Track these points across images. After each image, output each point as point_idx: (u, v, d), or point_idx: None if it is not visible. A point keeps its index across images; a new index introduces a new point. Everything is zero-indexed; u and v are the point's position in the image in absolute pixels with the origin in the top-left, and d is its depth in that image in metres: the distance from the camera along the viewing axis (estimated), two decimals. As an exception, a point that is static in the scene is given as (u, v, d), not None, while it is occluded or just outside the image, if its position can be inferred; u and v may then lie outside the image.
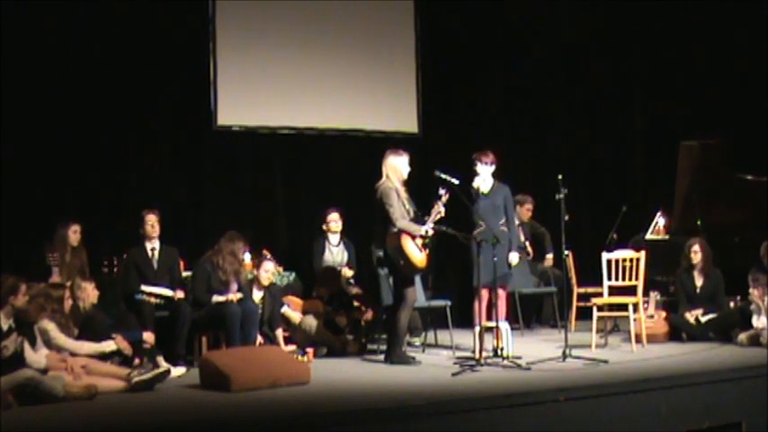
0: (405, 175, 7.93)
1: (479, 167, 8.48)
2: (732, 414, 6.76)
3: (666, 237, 10.09)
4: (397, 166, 7.91)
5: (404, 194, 7.88)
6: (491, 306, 8.21)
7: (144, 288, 8.15)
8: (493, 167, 8.52)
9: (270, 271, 8.45)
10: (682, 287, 9.11)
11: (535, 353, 7.90)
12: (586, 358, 7.56)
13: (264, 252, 9.11)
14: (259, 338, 8.20)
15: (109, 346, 7.20)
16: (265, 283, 8.41)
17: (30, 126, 8.96)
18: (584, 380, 6.85)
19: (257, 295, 8.36)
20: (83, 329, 7.27)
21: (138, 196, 9.36)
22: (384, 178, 7.89)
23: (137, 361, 7.26)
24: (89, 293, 7.55)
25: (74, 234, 8.35)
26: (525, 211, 10.38)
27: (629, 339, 8.42)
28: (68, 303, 7.30)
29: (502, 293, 8.28)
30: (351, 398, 6.54)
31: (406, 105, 11.03)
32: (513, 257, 8.36)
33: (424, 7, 11.12)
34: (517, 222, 10.28)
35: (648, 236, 10.09)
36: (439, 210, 7.82)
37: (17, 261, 8.05)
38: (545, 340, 9.12)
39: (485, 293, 8.21)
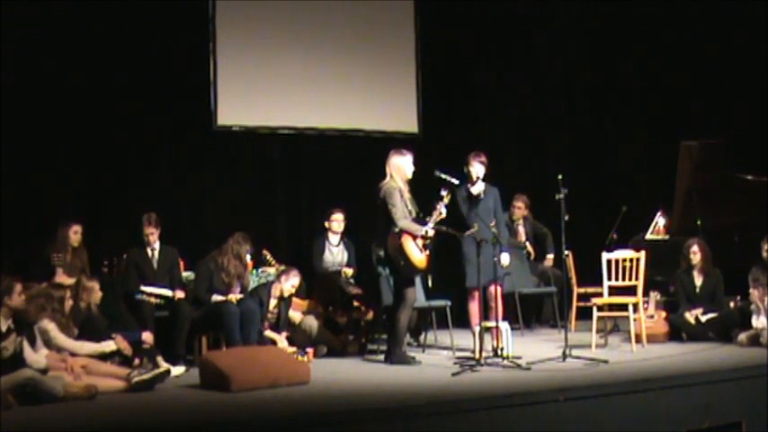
0: (408, 175, 7.94)
1: (478, 168, 8.47)
2: (732, 414, 6.76)
3: (666, 237, 10.09)
4: (400, 166, 7.91)
5: (407, 195, 7.88)
6: (484, 306, 8.23)
7: (144, 288, 8.16)
8: (485, 169, 8.53)
9: (296, 286, 8.46)
10: (681, 287, 9.11)
11: (535, 353, 7.89)
12: (586, 358, 7.56)
13: (264, 252, 9.13)
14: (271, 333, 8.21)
15: (109, 346, 7.20)
16: (286, 295, 8.42)
17: (30, 126, 8.96)
18: (584, 380, 6.84)
19: (272, 303, 8.37)
20: (83, 329, 7.28)
21: (138, 196, 9.36)
22: (388, 178, 7.90)
23: (137, 361, 7.25)
24: (95, 293, 7.55)
25: (74, 234, 8.35)
26: (516, 209, 10.38)
27: (629, 339, 8.42)
28: (69, 303, 7.30)
29: (498, 293, 8.24)
30: (351, 398, 6.54)
31: (406, 105, 11.03)
32: (505, 258, 8.35)
33: (424, 7, 11.13)
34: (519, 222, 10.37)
35: (648, 236, 10.09)
36: (440, 210, 7.83)
37: (18, 261, 8.06)
38: (545, 340, 9.12)
39: (477, 293, 8.21)
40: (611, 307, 8.76)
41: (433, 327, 9.20)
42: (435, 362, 7.94)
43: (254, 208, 10.12)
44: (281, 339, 8.24)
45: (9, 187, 8.72)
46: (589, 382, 6.72)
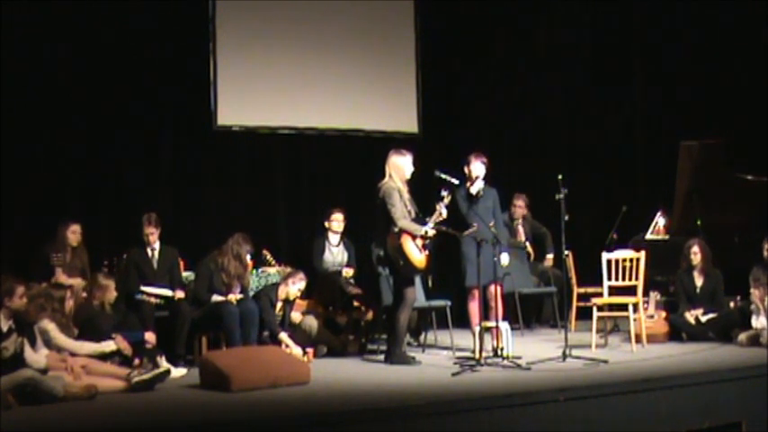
0: (408, 175, 7.93)
1: (479, 168, 8.48)
2: (732, 414, 6.76)
3: (666, 237, 10.09)
4: (399, 166, 7.90)
5: (406, 195, 7.88)
6: (484, 306, 8.24)
7: (144, 288, 8.15)
8: (485, 169, 8.53)
9: (302, 290, 8.46)
10: (682, 287, 9.11)
11: (535, 353, 7.89)
12: (586, 358, 7.56)
13: (264, 252, 9.13)
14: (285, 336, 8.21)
15: (109, 346, 7.20)
16: (291, 298, 8.41)
17: (30, 126, 8.97)
18: (584, 380, 6.84)
19: (278, 305, 8.37)
20: (83, 329, 7.27)
21: (138, 196, 9.37)
22: (387, 178, 7.89)
23: (137, 361, 7.25)
24: (110, 292, 7.57)
25: (73, 234, 8.32)
26: (516, 209, 10.40)
27: (629, 339, 8.42)
28: (69, 303, 7.30)
29: (498, 293, 8.23)
30: (351, 398, 6.54)
31: (406, 105, 11.03)
32: (504, 258, 8.34)
33: (424, 7, 11.13)
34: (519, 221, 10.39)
35: (648, 236, 10.09)
36: (440, 211, 7.83)
37: (18, 261, 8.06)
38: (545, 340, 9.12)
39: (477, 293, 8.22)
40: (611, 307, 8.76)
41: (433, 327, 9.20)
42: (435, 362, 7.94)
43: (254, 208, 10.12)
44: (295, 346, 8.12)
45: (9, 187, 8.72)
46: (589, 382, 6.72)
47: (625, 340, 8.71)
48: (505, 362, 7.50)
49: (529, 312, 10.31)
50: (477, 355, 7.58)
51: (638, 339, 8.38)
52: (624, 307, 8.44)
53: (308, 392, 6.72)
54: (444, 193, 7.87)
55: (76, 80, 9.21)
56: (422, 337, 9.11)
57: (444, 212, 7.85)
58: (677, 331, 8.92)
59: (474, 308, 8.36)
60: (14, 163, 8.82)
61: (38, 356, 6.64)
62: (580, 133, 11.91)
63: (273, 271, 9.05)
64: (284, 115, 10.35)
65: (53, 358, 6.76)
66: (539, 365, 7.39)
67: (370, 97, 10.81)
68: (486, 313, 8.32)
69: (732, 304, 9.15)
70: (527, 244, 10.42)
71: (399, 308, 7.86)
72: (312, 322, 8.61)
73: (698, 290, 9.05)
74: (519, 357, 7.61)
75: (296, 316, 8.63)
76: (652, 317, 8.92)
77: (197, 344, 8.27)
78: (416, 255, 7.75)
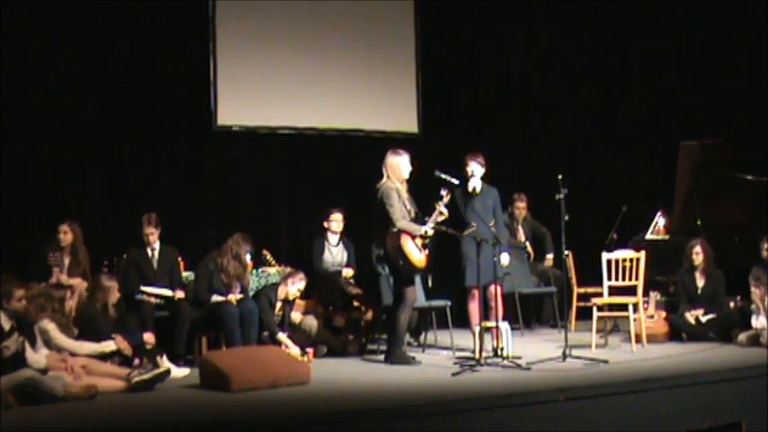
0: (405, 175, 7.93)
1: (475, 168, 8.47)
2: (732, 414, 6.76)
3: (666, 237, 10.09)
4: (396, 166, 7.90)
5: (405, 195, 7.87)
6: (484, 306, 8.23)
7: (144, 288, 8.15)
8: (483, 169, 8.53)
9: (302, 290, 8.46)
10: (683, 287, 9.11)
11: (535, 353, 7.89)
12: (586, 358, 7.56)
13: (264, 252, 9.13)
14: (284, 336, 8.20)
15: (109, 346, 7.20)
16: (291, 298, 8.41)
17: (30, 126, 8.97)
18: (584, 380, 6.84)
19: (277, 305, 8.37)
20: (83, 329, 7.27)
21: (138, 196, 9.37)
22: (385, 178, 7.89)
23: (137, 361, 7.25)
24: (113, 293, 7.58)
25: (63, 235, 8.21)
26: (518, 210, 10.40)
27: (629, 339, 8.42)
28: (69, 304, 7.30)
29: (498, 293, 8.22)
30: (351, 398, 6.54)
31: (406, 105, 11.03)
32: (504, 258, 8.34)
33: (424, 7, 11.13)
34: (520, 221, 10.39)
35: (648, 236, 10.09)
36: (440, 210, 7.82)
37: (18, 261, 8.06)
38: (545, 340, 9.12)
39: (477, 293, 8.21)
40: (611, 307, 8.76)
41: (433, 327, 9.20)
42: (435, 362, 7.94)
43: (254, 208, 10.12)
44: (293, 346, 8.13)
45: (9, 187, 8.72)
46: (589, 382, 6.72)
47: (625, 340, 8.71)
48: (505, 362, 7.50)
49: (529, 312, 10.31)
50: (477, 355, 7.58)
51: (638, 339, 8.38)
52: (624, 307, 8.44)
53: (308, 392, 6.72)
54: (444, 193, 7.86)
55: (77, 80, 9.21)
56: (422, 337, 9.11)
57: (445, 212, 7.85)
58: (677, 331, 8.92)
59: (474, 308, 8.37)
60: (14, 163, 8.82)
61: (38, 356, 6.64)
62: (580, 133, 11.91)
63: (273, 271, 9.06)
64: (284, 115, 10.36)
65: (53, 358, 6.76)
66: (539, 365, 7.39)
67: (370, 97, 10.82)
68: (486, 313, 8.32)
69: (732, 304, 9.15)
70: (527, 244, 10.42)
71: (399, 308, 7.86)
72: (312, 322, 8.61)
73: (699, 290, 9.05)
74: (519, 357, 7.61)
75: (296, 316, 8.64)
76: (652, 317, 8.92)
77: (197, 344, 8.28)
78: (416, 254, 7.75)
